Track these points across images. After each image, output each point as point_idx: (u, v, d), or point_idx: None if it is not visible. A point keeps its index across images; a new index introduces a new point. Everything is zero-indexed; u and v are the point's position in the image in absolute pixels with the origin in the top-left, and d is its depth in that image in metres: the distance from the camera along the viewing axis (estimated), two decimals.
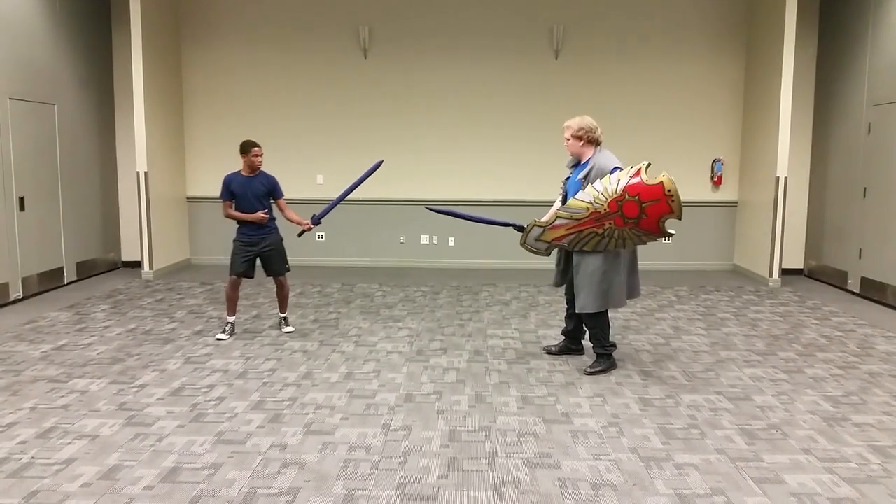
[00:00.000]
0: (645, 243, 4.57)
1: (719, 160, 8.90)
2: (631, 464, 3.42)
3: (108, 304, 6.80)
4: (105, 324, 6.05)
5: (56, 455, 3.46)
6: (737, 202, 9.00)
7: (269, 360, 5.03)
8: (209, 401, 4.22)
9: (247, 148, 5.57)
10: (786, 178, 7.93)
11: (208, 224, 9.18)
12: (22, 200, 6.97)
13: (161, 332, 5.78)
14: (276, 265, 5.71)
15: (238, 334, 5.73)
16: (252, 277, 5.80)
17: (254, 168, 5.61)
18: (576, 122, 4.69)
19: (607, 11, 8.76)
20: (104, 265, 8.58)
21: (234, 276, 5.64)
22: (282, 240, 5.77)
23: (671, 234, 4.42)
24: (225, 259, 9.12)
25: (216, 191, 8.97)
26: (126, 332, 5.80)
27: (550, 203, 8.72)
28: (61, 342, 5.47)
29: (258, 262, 5.72)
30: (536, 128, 8.91)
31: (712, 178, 8.94)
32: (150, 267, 8.21)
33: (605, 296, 4.65)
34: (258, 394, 4.35)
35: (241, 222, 5.64)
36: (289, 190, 8.92)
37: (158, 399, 4.25)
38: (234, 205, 5.64)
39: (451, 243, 9.10)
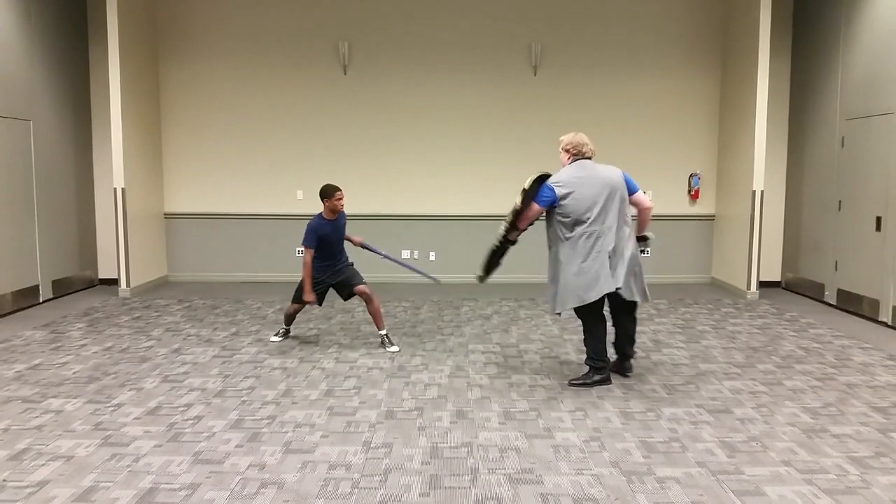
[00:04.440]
0: (500, 234, 4.87)
1: (696, 174, 9.00)
2: (613, 478, 3.42)
3: (84, 323, 6.71)
4: (81, 342, 5.97)
5: (29, 477, 3.39)
6: (714, 216, 9.09)
7: (247, 378, 4.98)
8: (187, 420, 4.16)
9: (330, 192, 5.63)
10: (762, 192, 8.02)
11: (186, 241, 9.11)
12: None
13: (138, 351, 5.70)
14: (355, 279, 5.78)
15: (216, 352, 5.67)
16: (321, 305, 6.02)
17: (336, 211, 5.69)
18: (566, 137, 4.93)
19: (584, 29, 8.85)
20: (80, 283, 8.47)
21: (297, 305, 5.90)
22: (352, 264, 5.94)
23: (508, 220, 4.78)
24: (202, 276, 9.13)
25: (194, 207, 9.08)
26: (102, 350, 5.71)
27: None
28: (36, 361, 5.38)
29: (329, 292, 5.91)
30: (515, 143, 8.96)
31: (689, 192, 9.03)
32: (128, 284, 8.11)
33: (553, 299, 4.79)
34: (236, 412, 4.30)
35: (319, 259, 5.69)
36: (269, 206, 8.99)
37: (135, 418, 4.18)
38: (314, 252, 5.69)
39: (431, 258, 9.09)
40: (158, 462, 3.56)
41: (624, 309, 4.90)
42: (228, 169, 9.00)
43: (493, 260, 5.04)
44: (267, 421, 4.15)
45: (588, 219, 4.64)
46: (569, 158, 4.90)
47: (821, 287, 7.93)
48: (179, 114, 8.99)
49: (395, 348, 5.77)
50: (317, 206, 9.48)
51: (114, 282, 8.47)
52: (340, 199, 5.65)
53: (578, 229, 4.66)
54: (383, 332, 5.83)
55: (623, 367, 5.07)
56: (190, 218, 9.09)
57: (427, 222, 9.04)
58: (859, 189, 7.20)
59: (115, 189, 8.03)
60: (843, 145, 7.52)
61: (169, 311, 7.23)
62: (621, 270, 4.64)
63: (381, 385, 4.84)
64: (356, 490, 3.28)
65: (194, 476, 3.41)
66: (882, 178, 6.80)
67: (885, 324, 6.73)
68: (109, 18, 7.76)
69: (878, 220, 6.85)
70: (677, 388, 4.80)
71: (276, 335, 6.09)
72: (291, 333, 6.24)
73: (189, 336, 6.21)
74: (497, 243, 4.93)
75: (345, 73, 8.89)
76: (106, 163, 8.52)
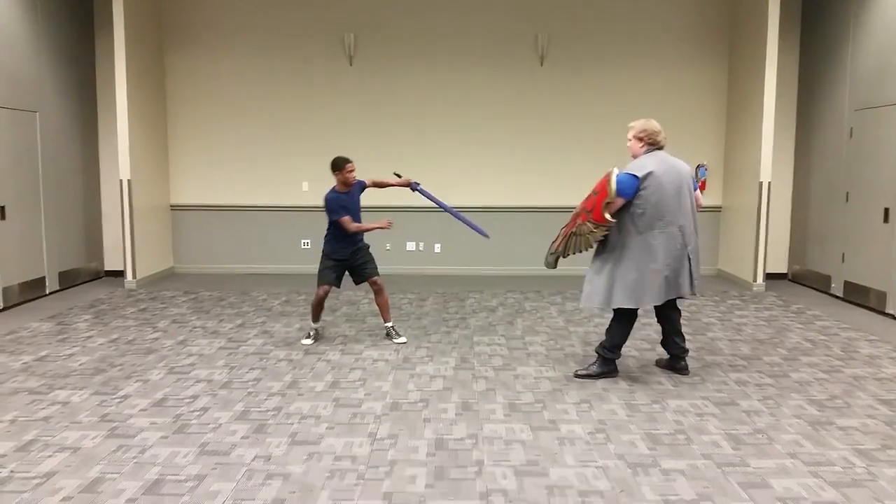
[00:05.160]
0: (596, 240, 4.54)
1: (703, 165, 8.96)
2: (618, 470, 3.41)
3: (90, 314, 6.73)
4: (87, 334, 5.99)
5: (36, 468, 3.41)
6: (721, 207, 9.06)
7: (253, 370, 4.99)
8: (193, 411, 4.18)
9: (340, 164, 5.52)
10: (769, 183, 7.98)
11: (192, 232, 9.12)
12: (3, 209, 6.89)
13: (144, 342, 5.72)
14: (369, 268, 5.68)
15: (222, 344, 5.68)
16: (339, 287, 5.78)
17: (349, 184, 5.57)
18: (638, 124, 4.65)
19: (591, 19, 8.80)
20: (87, 274, 8.50)
21: (325, 286, 5.64)
22: (369, 247, 5.79)
23: (611, 222, 4.43)
24: (208, 267, 9.15)
25: (200, 199, 9.10)
26: (109, 342, 5.73)
27: (531, 208, 8.84)
28: (42, 353, 5.40)
29: (346, 275, 5.77)
30: (522, 134, 8.94)
31: (696, 183, 8.97)
32: (134, 276, 8.13)
33: (611, 292, 4.55)
34: (242, 404, 4.31)
35: (336, 239, 5.60)
36: (274, 197, 8.99)
37: (141, 410, 4.20)
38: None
39: (437, 250, 9.09)
40: (164, 453, 3.58)
41: (669, 302, 4.78)
42: (234, 160, 9.00)
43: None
44: (273, 412, 4.16)
45: (669, 214, 4.47)
46: (642, 147, 4.60)
47: (827, 279, 7.89)
48: (185, 105, 8.99)
49: (402, 339, 5.74)
50: (322, 198, 9.50)
51: (120, 273, 8.49)
52: (352, 170, 5.52)
53: (659, 223, 4.45)
54: (389, 324, 5.81)
55: (679, 366, 4.90)
56: (196, 209, 9.11)
57: (432, 214, 9.00)
58: (867, 180, 7.15)
59: (121, 181, 8.04)
60: (851, 136, 7.47)
61: (175, 303, 7.25)
62: (697, 272, 4.63)
63: (387, 377, 4.85)
64: (362, 481, 3.29)
65: (200, 467, 3.42)
66: (891, 169, 6.75)
67: (891, 316, 6.70)
68: (115, 10, 7.75)
69: (886, 211, 6.80)
70: (683, 381, 4.79)
71: (306, 338, 5.77)
72: (297, 326, 6.24)
73: (195, 328, 6.22)
74: (591, 244, 4.59)
75: (350, 65, 8.87)
76: (112, 154, 8.53)
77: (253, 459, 3.52)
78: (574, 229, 4.61)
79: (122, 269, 8.33)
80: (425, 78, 8.90)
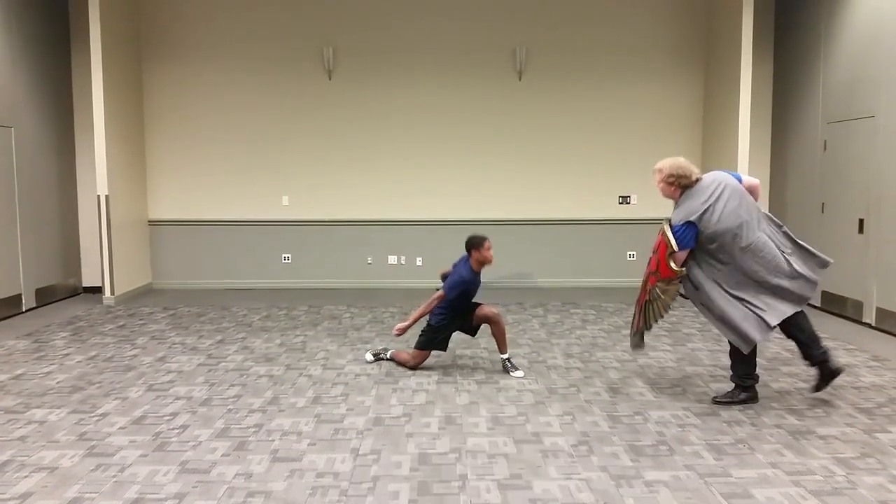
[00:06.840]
0: (673, 298, 4.43)
1: None
2: (601, 482, 3.42)
3: (68, 332, 6.64)
4: (65, 351, 5.90)
5: (12, 490, 3.35)
6: None
7: (233, 386, 4.94)
8: (172, 429, 4.13)
9: (478, 243, 5.12)
10: None
11: (170, 248, 9.05)
12: None
13: (123, 359, 5.65)
14: (472, 305, 5.27)
15: (202, 360, 5.63)
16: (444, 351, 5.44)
17: (485, 263, 5.18)
18: (667, 167, 4.37)
19: (568, 35, 8.89)
20: (64, 291, 8.39)
21: (426, 353, 5.33)
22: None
23: (680, 272, 4.33)
24: (187, 283, 9.07)
25: (178, 214, 9.04)
26: (87, 359, 5.66)
27: (512, 221, 8.87)
28: (18, 371, 5.31)
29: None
30: (501, 147, 8.98)
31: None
32: (112, 292, 8.04)
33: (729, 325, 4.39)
34: (223, 421, 4.26)
35: (452, 316, 5.23)
36: (254, 212, 8.95)
37: (120, 428, 4.14)
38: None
39: (419, 263, 9.08)
40: (144, 472, 3.53)
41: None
42: (213, 175, 8.96)
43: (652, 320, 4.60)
44: (254, 429, 4.12)
45: (747, 228, 4.35)
46: (676, 190, 4.38)
47: None
48: (163, 120, 8.94)
49: (520, 373, 5.22)
50: (303, 212, 9.45)
51: (98, 290, 8.39)
52: (490, 248, 5.12)
53: (743, 240, 4.32)
54: (505, 356, 5.30)
55: (833, 370, 4.52)
56: (174, 225, 9.04)
57: (413, 227, 9.03)
58: (842, 192, 7.26)
59: (98, 196, 7.96)
60: (825, 149, 7.59)
61: (154, 319, 7.18)
62: (804, 263, 4.50)
63: (369, 392, 4.82)
64: (344, 498, 3.26)
65: (181, 486, 3.38)
66: (864, 180, 6.87)
67: (868, 325, 6.79)
68: (92, 24, 7.70)
69: (861, 222, 6.91)
70: (664, 391, 4.81)
71: (371, 354, 5.61)
72: (278, 342, 6.20)
73: (174, 344, 6.16)
74: (669, 304, 4.48)
75: (329, 79, 8.88)
76: (89, 169, 8.45)
77: (234, 477, 3.48)
78: (647, 297, 4.53)
79: (100, 285, 8.24)
80: (404, 92, 8.92)
